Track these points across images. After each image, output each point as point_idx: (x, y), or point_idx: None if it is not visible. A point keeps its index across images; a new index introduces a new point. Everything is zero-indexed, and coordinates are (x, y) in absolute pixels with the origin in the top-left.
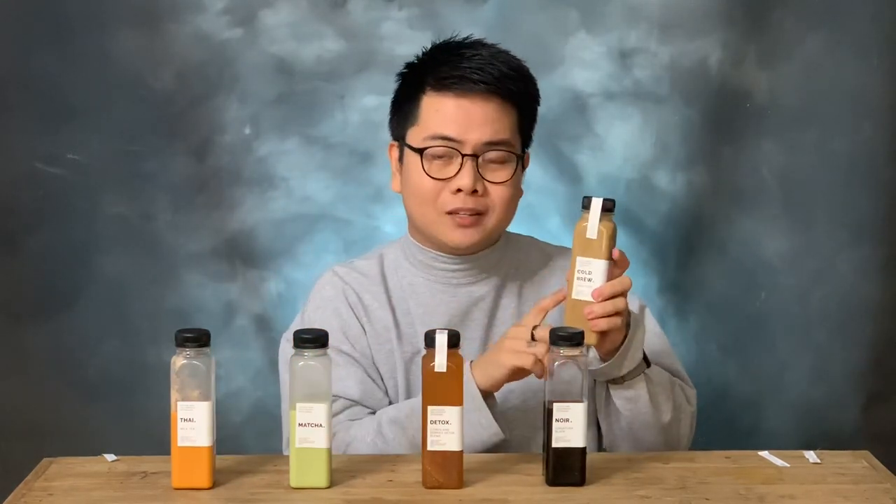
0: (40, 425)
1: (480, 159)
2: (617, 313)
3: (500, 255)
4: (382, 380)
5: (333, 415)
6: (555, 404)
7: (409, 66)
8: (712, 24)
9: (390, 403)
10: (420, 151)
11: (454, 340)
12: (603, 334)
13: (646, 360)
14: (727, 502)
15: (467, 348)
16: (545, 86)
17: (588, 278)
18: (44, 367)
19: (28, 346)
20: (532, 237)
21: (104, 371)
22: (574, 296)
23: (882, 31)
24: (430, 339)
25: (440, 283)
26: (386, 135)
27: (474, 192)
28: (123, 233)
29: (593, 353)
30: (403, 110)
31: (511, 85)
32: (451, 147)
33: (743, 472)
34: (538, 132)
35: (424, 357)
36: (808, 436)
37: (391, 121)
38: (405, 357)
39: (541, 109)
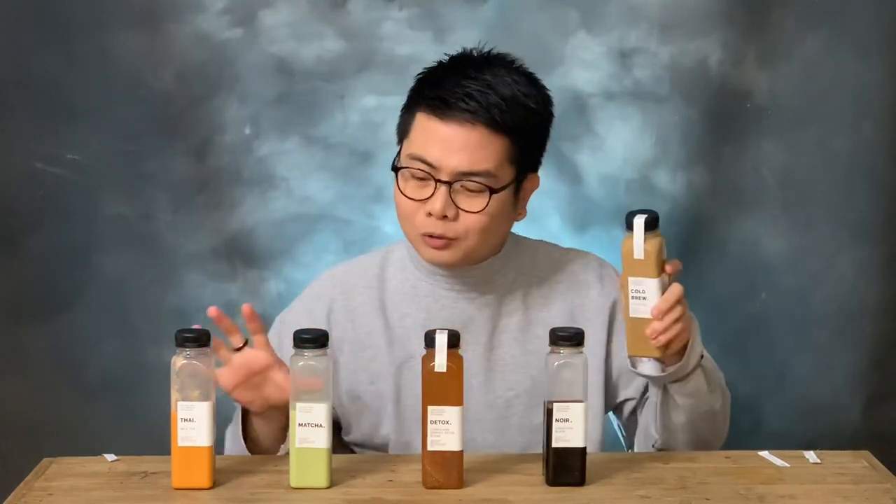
0: (40, 425)
1: (455, 185)
2: (677, 322)
3: (504, 261)
4: (339, 391)
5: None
6: (555, 404)
7: (420, 73)
8: (712, 24)
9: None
10: (396, 170)
11: (454, 340)
12: (667, 345)
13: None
14: (727, 502)
15: (470, 354)
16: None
17: (643, 297)
18: (44, 367)
19: (28, 346)
20: (544, 241)
21: (104, 371)
22: (632, 315)
23: (882, 31)
24: (430, 340)
25: (442, 288)
26: (386, 135)
27: (445, 217)
28: (123, 233)
29: (651, 362)
30: (403, 119)
31: (499, 116)
32: (427, 172)
33: (743, 472)
34: None
35: (424, 357)
36: (808, 436)
37: (398, 122)
38: (395, 362)
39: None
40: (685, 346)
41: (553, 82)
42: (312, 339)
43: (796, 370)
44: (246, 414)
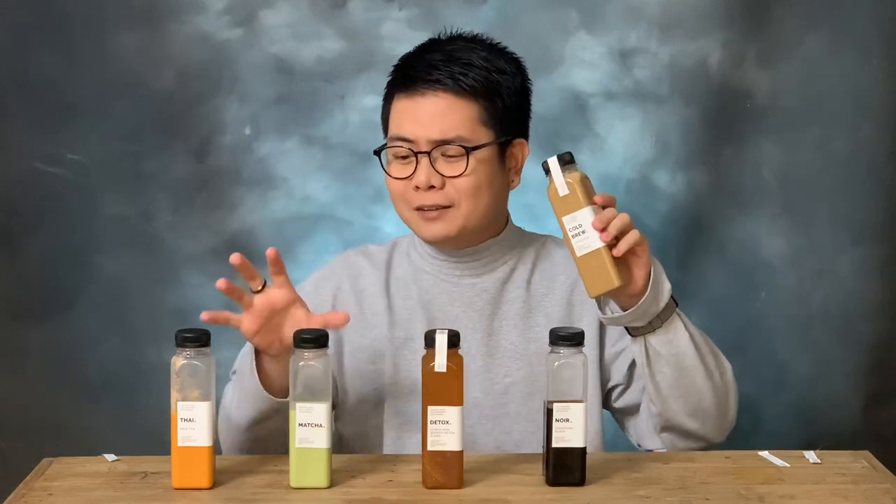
0: (40, 425)
1: (435, 153)
2: (632, 235)
3: (506, 248)
4: (342, 367)
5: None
6: (555, 404)
7: (394, 66)
8: (712, 24)
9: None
10: (377, 153)
11: (454, 340)
12: (631, 269)
13: (674, 301)
14: (727, 502)
15: (469, 339)
16: (545, 86)
17: (581, 231)
18: (44, 367)
19: (28, 346)
20: (549, 235)
21: (104, 371)
22: (578, 253)
23: (882, 32)
24: (430, 340)
25: (444, 273)
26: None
27: (432, 187)
28: (123, 233)
29: (615, 308)
30: (383, 115)
31: (465, 80)
32: (406, 147)
33: (743, 472)
34: (539, 131)
35: (424, 357)
36: (808, 436)
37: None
38: (395, 342)
39: (541, 109)
40: (647, 280)
41: (553, 82)
42: (312, 339)
43: (796, 370)
44: (258, 360)
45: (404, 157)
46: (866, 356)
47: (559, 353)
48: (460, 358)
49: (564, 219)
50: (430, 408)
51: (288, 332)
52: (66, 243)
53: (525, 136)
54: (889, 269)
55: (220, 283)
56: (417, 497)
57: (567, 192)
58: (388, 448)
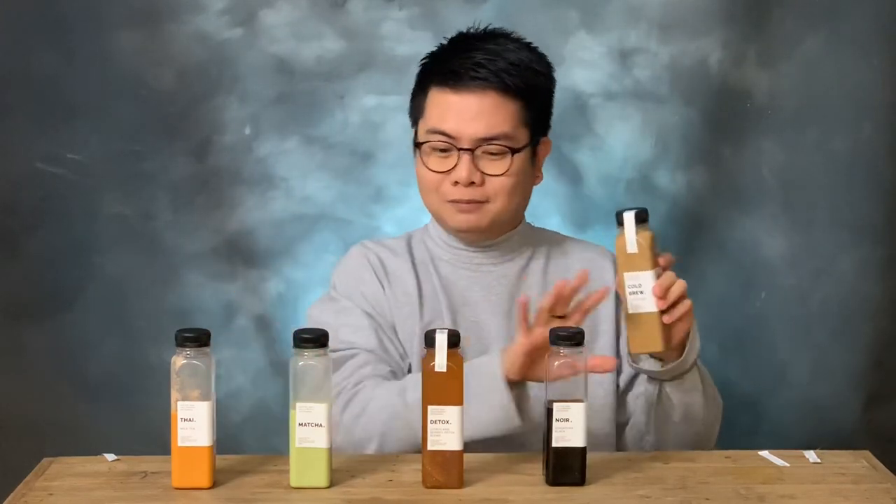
0: (40, 425)
1: (477, 152)
2: (679, 304)
3: (522, 240)
4: (400, 342)
5: (358, 368)
6: (555, 404)
7: (424, 58)
8: (712, 24)
9: (407, 366)
10: (418, 146)
11: (454, 340)
12: (671, 333)
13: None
14: (727, 502)
15: (491, 322)
16: None
17: (640, 291)
18: (44, 367)
19: (28, 346)
20: (556, 232)
21: (104, 371)
22: (631, 311)
23: (882, 31)
24: (430, 339)
25: (462, 260)
26: (386, 134)
27: (472, 183)
28: (123, 233)
29: (648, 361)
30: (414, 103)
31: (510, 79)
32: (447, 142)
33: (743, 472)
34: None
35: (424, 357)
36: (808, 436)
37: (409, 109)
38: (424, 322)
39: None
40: (684, 343)
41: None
42: (313, 339)
43: (796, 370)
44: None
45: (443, 151)
46: (866, 356)
47: (559, 352)
48: (460, 358)
49: (626, 275)
50: (430, 407)
51: (540, 367)
52: (66, 243)
53: (548, 132)
54: (889, 269)
55: (522, 298)
56: (417, 497)
57: (636, 251)
58: None
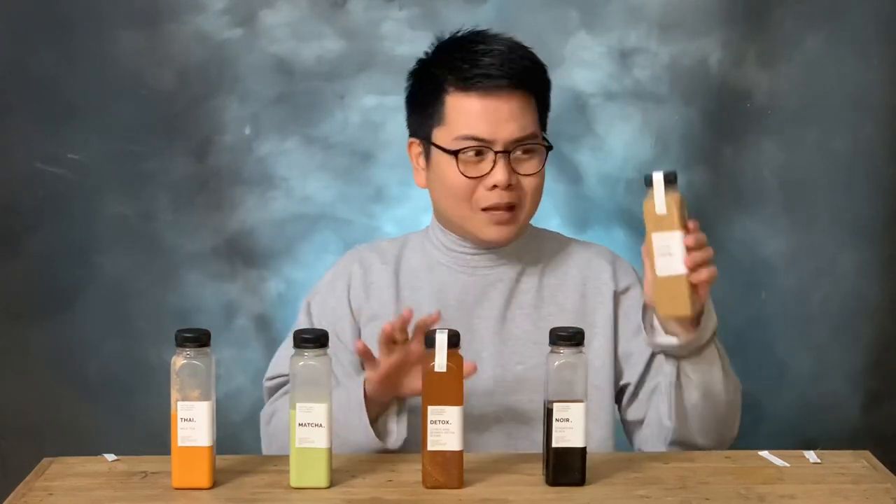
0: (40, 425)
1: (511, 154)
2: (710, 270)
3: (521, 243)
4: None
5: (283, 394)
6: (555, 404)
7: (422, 62)
8: (712, 24)
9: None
10: (454, 154)
11: (454, 340)
12: (698, 297)
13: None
14: (727, 502)
15: (482, 326)
16: None
17: (668, 253)
18: (44, 367)
19: (28, 346)
20: (557, 232)
21: (104, 371)
22: (659, 273)
23: (882, 31)
24: (430, 340)
25: (458, 264)
26: (386, 134)
27: (509, 186)
28: (123, 233)
29: (666, 337)
30: (426, 110)
31: (532, 78)
32: (482, 146)
33: (743, 472)
34: None
35: (425, 357)
36: (808, 436)
37: (410, 118)
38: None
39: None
40: (701, 313)
41: (553, 82)
42: (313, 339)
43: (796, 370)
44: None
45: (478, 155)
46: (866, 356)
47: (559, 352)
48: (460, 358)
49: (654, 236)
50: (430, 407)
51: (406, 385)
52: (66, 243)
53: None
54: (889, 269)
55: (358, 345)
56: (417, 497)
57: (664, 212)
58: None
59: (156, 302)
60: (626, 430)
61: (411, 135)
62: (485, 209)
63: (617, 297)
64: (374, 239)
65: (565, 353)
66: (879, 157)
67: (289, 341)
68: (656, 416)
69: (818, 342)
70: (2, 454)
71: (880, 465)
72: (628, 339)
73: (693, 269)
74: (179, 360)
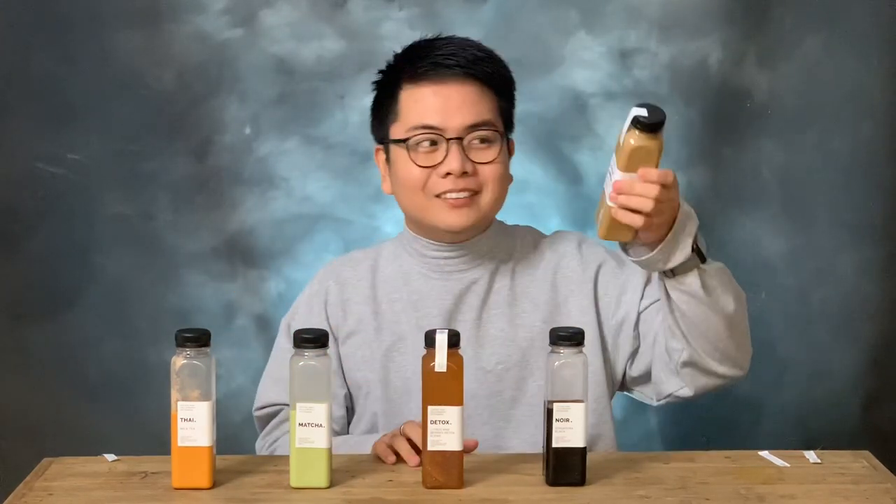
0: (40, 425)
1: (465, 142)
2: (638, 211)
3: (493, 242)
4: (344, 378)
5: (279, 425)
6: (555, 404)
7: (382, 71)
8: (712, 24)
9: (347, 399)
10: (405, 141)
11: (454, 340)
12: (637, 230)
13: (701, 257)
14: (727, 502)
15: (460, 329)
16: (545, 86)
17: (609, 183)
18: (44, 367)
19: (29, 346)
20: (530, 227)
21: (104, 371)
22: (607, 201)
23: (882, 32)
24: (430, 340)
25: (434, 270)
26: None
27: (464, 173)
28: (123, 233)
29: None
30: (383, 111)
31: (486, 67)
32: (434, 134)
33: (743, 472)
34: (538, 131)
35: (424, 357)
36: (808, 436)
37: (373, 126)
38: (382, 346)
39: (541, 109)
40: (661, 240)
41: (553, 82)
42: (312, 339)
43: (796, 370)
44: None
45: (432, 144)
46: (866, 356)
47: (559, 353)
48: (460, 358)
49: (619, 166)
50: (430, 408)
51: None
52: (66, 243)
53: (512, 132)
54: (889, 269)
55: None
56: (417, 497)
57: (636, 144)
58: None
59: (156, 302)
60: (636, 388)
61: (376, 143)
62: (439, 196)
63: (591, 280)
64: (372, 239)
65: (565, 353)
66: (879, 157)
67: (272, 368)
68: (661, 349)
69: (818, 342)
70: (2, 454)
71: (880, 465)
72: (613, 315)
73: (620, 205)
74: (179, 360)
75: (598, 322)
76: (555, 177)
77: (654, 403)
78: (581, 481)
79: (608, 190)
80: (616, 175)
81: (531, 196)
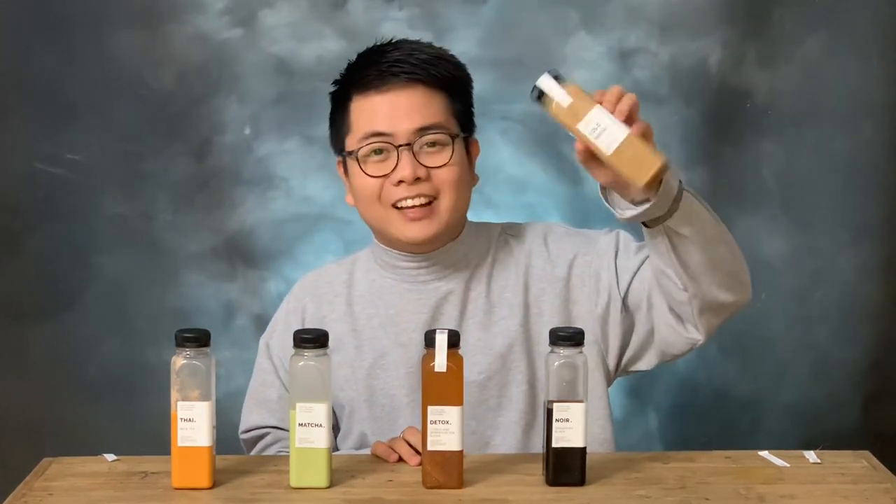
0: (40, 425)
1: (416, 147)
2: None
3: (466, 248)
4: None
5: (266, 447)
6: (555, 404)
7: (336, 82)
8: (712, 24)
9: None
10: (354, 154)
11: (454, 340)
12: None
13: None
14: (727, 502)
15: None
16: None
17: (602, 128)
18: (44, 367)
19: (28, 347)
20: (503, 223)
21: (104, 371)
22: (608, 152)
23: (882, 32)
24: (430, 340)
25: (407, 282)
26: None
27: (418, 179)
28: (123, 233)
29: (635, 209)
30: (337, 123)
31: (433, 70)
32: (383, 142)
33: (743, 472)
34: (539, 131)
35: (425, 357)
36: (808, 436)
37: (331, 139)
38: (365, 363)
39: (540, 110)
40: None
41: None
42: (312, 339)
43: (796, 370)
44: None
45: (379, 153)
46: (866, 356)
47: (559, 353)
48: (460, 358)
49: (579, 126)
50: (430, 408)
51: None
52: (66, 243)
53: (474, 132)
54: (889, 269)
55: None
56: (417, 497)
57: (571, 99)
58: None
59: (156, 302)
60: (633, 366)
61: (336, 154)
62: (397, 206)
63: (562, 279)
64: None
65: (565, 353)
66: (879, 157)
67: (254, 389)
68: (664, 310)
69: (818, 342)
70: (2, 454)
71: (880, 465)
72: (597, 297)
73: (631, 123)
74: (179, 361)
75: (575, 319)
76: (555, 177)
77: (652, 367)
78: (581, 481)
79: (604, 146)
80: (597, 115)
81: (531, 196)
